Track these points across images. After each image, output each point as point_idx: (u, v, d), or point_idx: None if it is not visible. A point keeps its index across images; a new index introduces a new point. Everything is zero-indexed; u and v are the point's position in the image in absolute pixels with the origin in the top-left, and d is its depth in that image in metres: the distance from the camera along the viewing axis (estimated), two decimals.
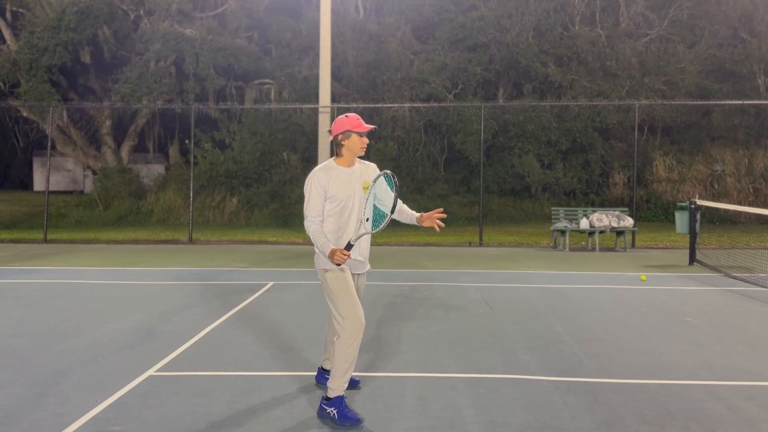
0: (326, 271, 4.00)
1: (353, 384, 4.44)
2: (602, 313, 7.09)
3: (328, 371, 4.48)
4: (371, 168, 4.22)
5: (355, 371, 4.16)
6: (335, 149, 4.09)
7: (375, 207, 4.15)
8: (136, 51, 25.90)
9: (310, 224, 3.99)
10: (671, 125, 24.90)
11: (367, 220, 4.03)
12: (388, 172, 4.01)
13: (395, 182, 3.93)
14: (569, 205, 22.16)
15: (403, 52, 25.70)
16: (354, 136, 4.00)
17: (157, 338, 5.89)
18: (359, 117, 4.07)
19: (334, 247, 3.90)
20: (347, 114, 4.09)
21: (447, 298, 7.96)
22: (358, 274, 4.19)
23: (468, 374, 4.81)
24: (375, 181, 4.09)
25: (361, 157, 4.17)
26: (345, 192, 4.00)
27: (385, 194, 4.11)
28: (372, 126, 4.07)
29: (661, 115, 23.94)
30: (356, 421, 3.80)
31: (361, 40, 25.85)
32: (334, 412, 3.83)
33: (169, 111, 27.97)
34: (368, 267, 4.26)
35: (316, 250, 4.07)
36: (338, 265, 3.88)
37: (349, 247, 3.88)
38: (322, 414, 3.92)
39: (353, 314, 3.89)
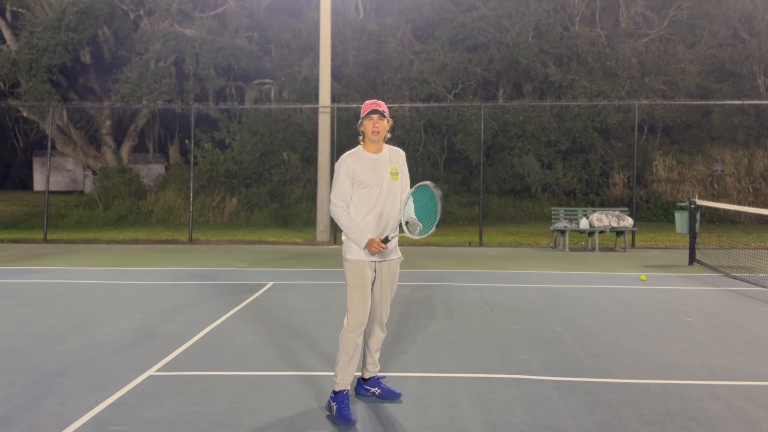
0: (346, 259, 4.02)
1: (394, 396, 4.26)
2: (602, 313, 7.08)
3: (367, 380, 4.30)
4: (400, 155, 4.17)
5: (357, 371, 4.15)
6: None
7: (422, 214, 4.00)
8: (136, 51, 25.90)
9: (338, 209, 3.97)
10: (671, 125, 24.90)
11: (407, 223, 3.91)
12: (429, 184, 3.97)
13: (437, 194, 3.94)
14: (569, 205, 22.16)
15: (403, 52, 25.71)
16: (364, 122, 3.99)
17: (157, 338, 5.89)
18: (376, 102, 4.04)
19: (371, 237, 3.89)
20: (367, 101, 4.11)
21: (447, 298, 7.96)
22: (386, 261, 4.09)
23: (468, 374, 4.81)
24: (415, 190, 3.98)
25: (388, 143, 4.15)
26: (373, 178, 3.97)
27: (428, 206, 4.01)
28: (375, 106, 3.97)
29: (661, 115, 23.94)
30: (347, 422, 3.82)
31: (361, 40, 25.85)
32: (334, 407, 3.90)
33: (169, 111, 27.99)
34: (397, 254, 4.18)
35: (344, 238, 4.04)
36: (373, 254, 3.90)
37: (386, 240, 3.88)
38: (327, 406, 4.00)
39: (360, 309, 3.93)
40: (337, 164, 4.03)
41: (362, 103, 4.20)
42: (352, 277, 3.98)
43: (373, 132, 3.98)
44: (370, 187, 3.97)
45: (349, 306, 3.98)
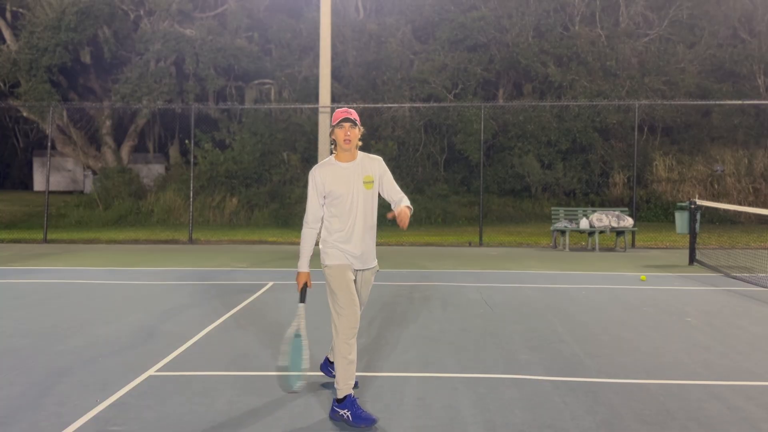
0: (326, 266, 4.01)
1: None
2: (602, 313, 7.08)
3: (333, 363, 4.43)
4: (376, 161, 4.12)
5: (356, 371, 4.15)
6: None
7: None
8: (136, 51, 25.91)
9: (305, 230, 4.07)
10: (671, 125, 24.90)
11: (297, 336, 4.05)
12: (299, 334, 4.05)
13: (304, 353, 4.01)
14: (569, 205, 22.16)
15: (403, 52, 25.70)
16: (336, 130, 3.97)
17: (157, 338, 5.89)
18: (347, 110, 4.02)
19: (303, 271, 4.07)
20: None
21: (447, 298, 7.96)
22: (361, 270, 4.12)
23: (468, 374, 4.81)
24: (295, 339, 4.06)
25: (364, 150, 4.13)
26: (344, 187, 3.95)
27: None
28: (346, 114, 3.95)
29: (661, 115, 23.94)
30: (371, 422, 3.77)
31: (361, 40, 25.85)
32: (348, 414, 3.80)
33: (169, 111, 27.99)
34: (374, 264, 4.18)
35: (321, 247, 4.08)
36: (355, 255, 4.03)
37: (304, 291, 4.12)
38: (334, 416, 3.88)
39: (349, 311, 3.89)
40: (309, 177, 4.04)
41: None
42: (335, 282, 3.95)
43: (345, 140, 3.95)
44: (342, 197, 3.95)
45: (337, 311, 3.91)
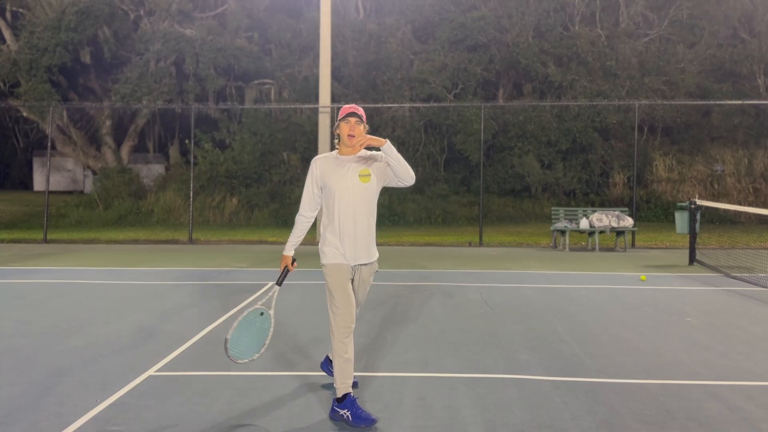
0: (323, 265, 4.02)
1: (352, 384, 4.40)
2: (602, 313, 7.08)
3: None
4: (376, 156, 4.01)
5: (355, 371, 4.14)
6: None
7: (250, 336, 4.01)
8: (136, 51, 25.92)
9: (297, 217, 4.16)
10: (671, 125, 24.91)
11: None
12: (264, 311, 4.06)
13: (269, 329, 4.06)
14: (569, 205, 22.17)
15: (403, 52, 25.71)
16: (340, 124, 3.98)
17: (157, 338, 5.89)
18: (354, 106, 4.04)
19: (285, 254, 4.18)
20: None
21: (447, 299, 7.96)
22: (358, 266, 4.05)
23: (468, 374, 4.81)
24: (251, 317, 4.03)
25: (370, 149, 4.04)
26: (339, 181, 3.92)
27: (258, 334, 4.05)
28: (353, 110, 3.96)
29: (661, 115, 23.95)
30: (371, 422, 3.77)
31: (361, 40, 25.86)
32: (348, 414, 3.80)
33: (169, 111, 27.99)
34: (372, 260, 4.10)
35: (319, 246, 4.08)
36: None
37: (284, 273, 4.18)
38: (334, 416, 3.88)
39: (345, 310, 3.89)
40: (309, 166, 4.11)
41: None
42: (331, 281, 3.95)
43: (348, 136, 3.93)
44: (337, 191, 3.93)
45: (333, 310, 3.91)
